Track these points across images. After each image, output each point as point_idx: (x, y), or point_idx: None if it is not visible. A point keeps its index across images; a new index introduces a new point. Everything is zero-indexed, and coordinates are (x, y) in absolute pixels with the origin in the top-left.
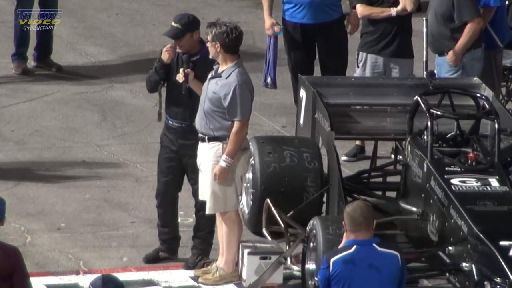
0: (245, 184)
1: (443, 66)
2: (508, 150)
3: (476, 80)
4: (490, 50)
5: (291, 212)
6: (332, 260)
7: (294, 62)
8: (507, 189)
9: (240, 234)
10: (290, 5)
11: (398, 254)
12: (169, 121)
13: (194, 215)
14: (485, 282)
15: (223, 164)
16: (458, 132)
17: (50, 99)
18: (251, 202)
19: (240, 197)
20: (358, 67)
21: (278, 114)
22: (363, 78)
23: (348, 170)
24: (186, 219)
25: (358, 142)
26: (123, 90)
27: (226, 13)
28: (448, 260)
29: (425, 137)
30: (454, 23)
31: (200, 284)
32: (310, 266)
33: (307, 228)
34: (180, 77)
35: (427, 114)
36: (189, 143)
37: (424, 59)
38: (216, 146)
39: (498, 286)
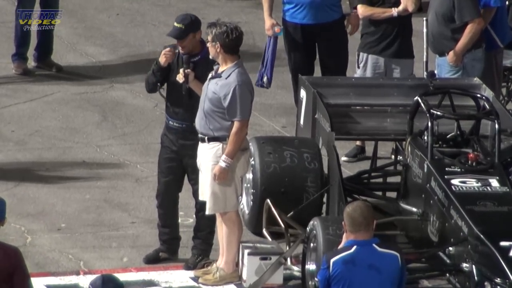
0: (245, 185)
1: (444, 67)
2: (509, 151)
3: (476, 80)
4: (490, 51)
5: (291, 213)
6: (332, 260)
7: (295, 62)
8: (507, 190)
9: (240, 235)
10: (290, 5)
11: (398, 254)
12: (170, 122)
13: (194, 216)
14: (486, 283)
15: (222, 164)
16: (458, 132)
17: (50, 99)
18: (251, 202)
19: (240, 197)
20: (358, 67)
21: (278, 114)
22: (364, 79)
23: (348, 170)
24: (186, 219)
25: (358, 143)
26: (124, 91)
27: (226, 13)
28: (448, 261)
29: (425, 138)
30: (455, 23)
31: (200, 285)
32: (310, 266)
33: (307, 229)
34: (180, 78)
35: (427, 115)
36: (189, 143)
37: (425, 60)
38: (216, 146)
39: (498, 287)
